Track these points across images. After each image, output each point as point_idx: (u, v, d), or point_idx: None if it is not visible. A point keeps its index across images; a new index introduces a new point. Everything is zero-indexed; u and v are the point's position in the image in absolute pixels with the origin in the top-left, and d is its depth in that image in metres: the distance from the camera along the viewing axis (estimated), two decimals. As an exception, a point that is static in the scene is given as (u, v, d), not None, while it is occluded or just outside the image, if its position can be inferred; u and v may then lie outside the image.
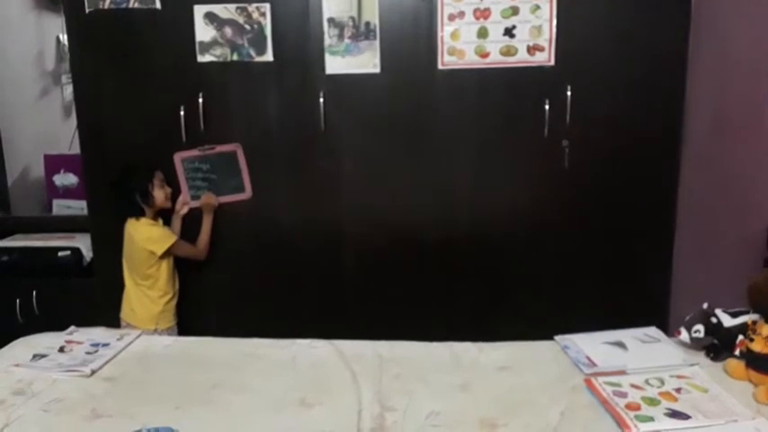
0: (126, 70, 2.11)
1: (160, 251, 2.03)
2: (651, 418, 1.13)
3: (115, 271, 2.12)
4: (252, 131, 2.13)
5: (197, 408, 1.25)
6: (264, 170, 2.15)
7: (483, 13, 1.99)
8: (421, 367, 1.40)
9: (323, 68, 2.04)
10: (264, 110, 2.11)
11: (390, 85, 2.05)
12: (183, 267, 2.16)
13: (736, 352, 1.33)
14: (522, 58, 2.00)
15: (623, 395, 1.22)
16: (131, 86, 2.11)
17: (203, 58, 2.08)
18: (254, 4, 2.03)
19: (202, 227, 2.13)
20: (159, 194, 2.06)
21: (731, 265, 1.81)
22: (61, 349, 1.53)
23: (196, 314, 2.20)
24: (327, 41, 2.03)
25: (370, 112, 2.08)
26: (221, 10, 2.04)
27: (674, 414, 1.15)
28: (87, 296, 2.20)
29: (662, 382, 1.28)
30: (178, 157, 2.15)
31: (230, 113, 2.12)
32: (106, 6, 2.06)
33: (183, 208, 2.17)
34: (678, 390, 1.24)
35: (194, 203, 2.17)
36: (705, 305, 1.42)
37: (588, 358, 1.40)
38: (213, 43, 2.07)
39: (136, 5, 2.06)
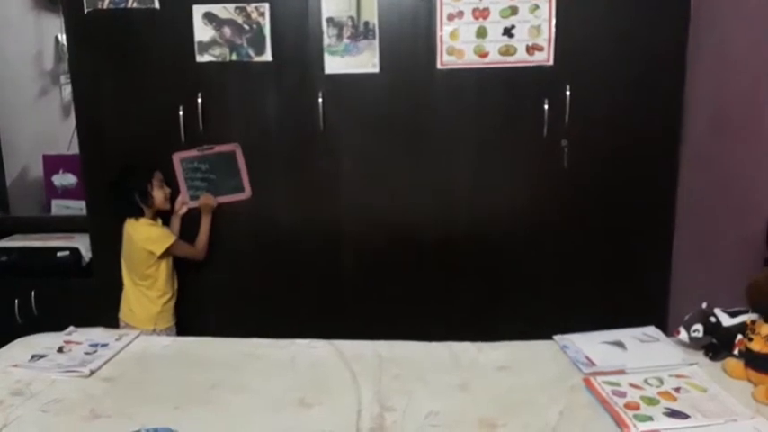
0: (125, 70, 2.11)
1: (159, 251, 2.03)
2: (650, 418, 1.13)
3: (114, 271, 2.12)
4: (251, 131, 2.13)
5: (196, 408, 1.25)
6: (263, 170, 2.15)
7: (482, 13, 1.99)
8: (420, 367, 1.40)
9: (322, 68, 2.05)
10: (263, 110, 2.11)
11: (389, 84, 2.05)
12: (182, 267, 2.16)
13: (735, 351, 1.33)
14: (521, 58, 2.00)
15: (622, 394, 1.22)
16: (130, 86, 2.11)
17: (202, 58, 2.08)
18: (253, 4, 2.03)
19: (201, 227, 2.13)
20: (158, 195, 2.06)
21: (730, 264, 1.81)
22: (60, 349, 1.53)
23: (195, 314, 2.20)
24: (326, 41, 2.03)
25: (369, 111, 2.08)
26: (220, 10, 2.04)
27: (673, 413, 1.15)
28: (86, 296, 2.20)
29: (661, 381, 1.28)
30: (177, 158, 2.14)
31: (229, 113, 2.12)
32: (105, 6, 2.06)
33: (181, 208, 2.17)
34: (677, 389, 1.24)
35: (193, 204, 2.17)
36: (704, 305, 1.42)
37: (587, 358, 1.40)
38: (212, 43, 2.07)
39: (134, 5, 2.06)
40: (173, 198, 2.14)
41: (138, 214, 2.04)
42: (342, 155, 2.12)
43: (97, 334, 1.63)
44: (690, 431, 1.10)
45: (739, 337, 1.32)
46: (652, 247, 2.12)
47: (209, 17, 2.05)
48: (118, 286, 2.11)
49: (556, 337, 1.52)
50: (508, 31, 1.99)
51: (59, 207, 2.63)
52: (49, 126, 2.93)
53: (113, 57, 2.10)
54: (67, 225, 2.49)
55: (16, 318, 2.31)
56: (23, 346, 1.56)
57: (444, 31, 2.00)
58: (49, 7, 2.90)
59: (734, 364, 1.30)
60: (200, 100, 2.08)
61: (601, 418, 1.16)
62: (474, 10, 1.99)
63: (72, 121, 2.29)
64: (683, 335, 1.39)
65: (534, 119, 2.02)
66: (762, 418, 1.13)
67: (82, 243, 2.35)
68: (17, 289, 2.33)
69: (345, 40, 2.03)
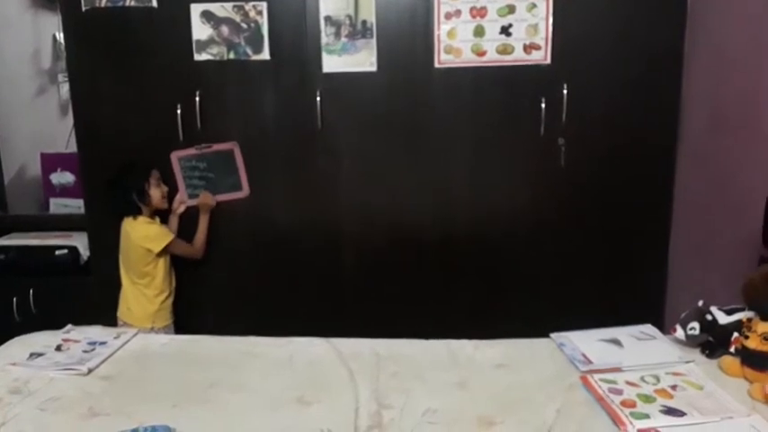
0: (122, 69, 2.11)
1: (157, 249, 2.03)
2: (646, 415, 1.13)
3: (112, 269, 2.12)
4: (249, 130, 2.13)
5: (194, 406, 1.25)
6: (261, 169, 2.15)
7: (479, 12, 1.99)
8: (418, 365, 1.40)
9: (320, 67, 2.05)
10: (261, 108, 2.11)
11: (387, 83, 2.05)
12: (180, 266, 2.16)
13: (732, 349, 1.33)
14: (518, 57, 2.00)
15: (619, 392, 1.23)
16: (128, 85, 2.11)
17: (200, 56, 2.07)
18: (251, 3, 2.03)
19: (199, 225, 2.13)
20: (156, 193, 2.06)
21: (727, 262, 1.81)
22: (58, 348, 1.53)
23: (193, 313, 2.20)
24: (324, 40, 2.03)
25: (367, 110, 2.08)
26: (218, 8, 2.04)
27: (670, 411, 1.15)
28: (84, 295, 2.20)
29: (657, 379, 1.28)
30: (175, 156, 2.14)
31: (227, 112, 2.12)
32: (102, 5, 2.06)
33: (180, 207, 2.17)
34: (673, 387, 1.24)
35: (192, 202, 2.17)
36: (700, 302, 1.42)
37: (584, 356, 1.40)
38: (210, 42, 2.06)
39: (132, 4, 2.05)
40: (171, 197, 2.14)
41: (136, 213, 2.04)
42: (340, 153, 2.12)
43: (95, 332, 1.63)
44: (686, 429, 1.10)
45: (735, 334, 1.33)
46: (649, 246, 2.12)
47: (206, 16, 2.05)
48: (116, 285, 2.11)
49: (553, 335, 1.52)
50: (505, 30, 1.99)
51: (57, 205, 2.63)
52: (46, 124, 2.93)
53: (111, 55, 2.10)
54: (65, 223, 2.50)
55: (14, 316, 2.32)
56: (21, 345, 1.56)
57: (442, 29, 2.01)
58: (47, 5, 2.89)
59: (730, 361, 1.30)
60: (198, 98, 2.08)
61: (597, 415, 1.16)
62: (471, 8, 1.99)
63: (70, 119, 2.29)
64: (680, 333, 1.39)
65: (531, 117, 2.03)
66: (758, 416, 1.13)
67: (80, 241, 2.35)
68: (15, 287, 2.33)
69: (343, 39, 2.03)
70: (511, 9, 1.98)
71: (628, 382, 1.27)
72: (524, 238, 2.14)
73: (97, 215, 2.20)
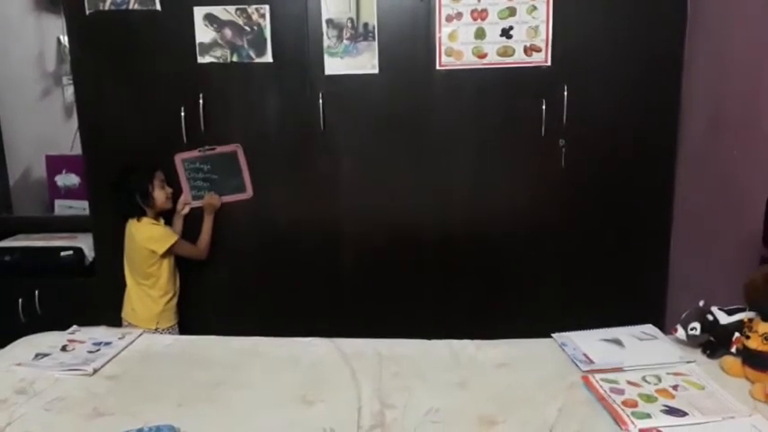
0: (126, 71, 2.12)
1: (161, 250, 2.04)
2: (648, 415, 1.14)
3: (117, 271, 2.13)
4: (252, 132, 2.14)
5: (198, 405, 1.26)
6: (264, 170, 2.17)
7: (480, 15, 2.00)
8: (420, 365, 1.41)
9: (322, 69, 2.06)
10: (264, 110, 2.12)
11: (389, 85, 2.06)
12: (184, 267, 2.18)
13: (733, 349, 1.33)
14: (519, 59, 2.01)
15: (620, 392, 1.23)
16: (132, 87, 2.13)
17: (203, 59, 2.09)
18: (254, 6, 2.04)
19: (203, 226, 2.14)
20: (159, 195, 2.07)
21: (727, 263, 1.81)
22: (63, 348, 1.54)
23: (197, 313, 2.21)
24: (326, 42, 2.04)
25: (368, 112, 2.10)
26: (221, 11, 2.05)
27: (671, 411, 1.15)
28: (89, 296, 2.21)
29: (659, 379, 1.28)
30: (179, 158, 2.16)
31: (230, 114, 2.13)
32: (106, 8, 2.07)
33: (184, 208, 2.18)
34: (675, 387, 1.24)
35: (197, 203, 2.18)
36: (701, 303, 1.42)
37: (585, 355, 1.41)
38: (213, 44, 2.08)
39: (136, 7, 2.07)
40: (175, 198, 2.15)
41: (140, 214, 2.05)
42: (342, 155, 2.13)
43: (100, 333, 1.64)
44: (688, 428, 1.10)
45: (737, 335, 1.33)
46: (650, 246, 2.13)
47: (210, 18, 2.06)
48: (120, 286, 2.12)
49: (554, 335, 1.53)
50: (506, 33, 2.00)
51: (62, 207, 2.65)
52: (51, 127, 2.94)
53: (115, 58, 2.12)
54: (70, 225, 2.50)
55: (20, 317, 2.32)
56: (27, 345, 1.57)
57: (443, 32, 2.02)
58: (51, 9, 2.91)
59: (731, 361, 1.30)
60: (201, 101, 2.09)
61: (599, 415, 1.17)
62: (472, 11, 2.00)
63: (74, 121, 2.30)
64: (681, 333, 1.39)
65: (532, 119, 2.04)
66: (759, 416, 1.13)
67: (85, 243, 2.36)
68: (21, 288, 2.34)
69: (345, 42, 2.04)
70: (511, 12, 1.99)
71: (629, 382, 1.27)
72: (525, 239, 2.15)
73: (102, 216, 2.21)
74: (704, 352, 1.39)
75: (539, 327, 1.56)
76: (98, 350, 1.52)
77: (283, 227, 2.20)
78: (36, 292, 2.33)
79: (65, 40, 2.78)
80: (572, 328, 1.54)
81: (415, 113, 2.08)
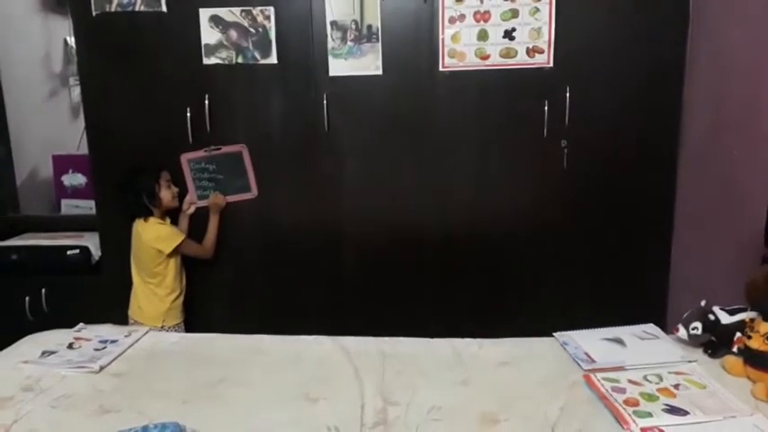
0: (133, 72, 2.14)
1: (168, 249, 2.05)
2: (649, 414, 1.14)
3: (123, 269, 2.14)
4: (256, 132, 2.16)
5: (203, 403, 1.27)
6: (268, 170, 2.18)
7: (483, 16, 2.01)
8: (422, 363, 1.42)
9: (326, 71, 2.07)
10: (269, 111, 2.14)
11: (392, 86, 2.07)
12: (190, 266, 2.19)
13: (734, 349, 1.34)
14: (521, 60, 2.02)
15: (622, 391, 1.24)
16: (138, 88, 2.14)
17: (209, 60, 2.10)
18: (259, 8, 2.06)
19: (209, 226, 2.15)
20: (166, 195, 2.09)
21: (728, 263, 1.82)
22: (70, 346, 1.55)
23: (202, 311, 2.23)
24: (330, 44, 2.06)
25: (372, 113, 2.11)
26: (226, 13, 2.07)
27: (673, 410, 1.15)
28: (95, 294, 2.22)
29: (660, 378, 1.29)
30: (185, 158, 2.17)
31: (236, 115, 2.14)
32: (113, 9, 2.09)
33: (189, 208, 2.20)
34: (676, 386, 1.25)
35: (201, 203, 2.20)
36: (703, 303, 1.43)
37: (587, 354, 1.41)
38: (219, 46, 2.09)
39: (142, 9, 2.08)
40: (181, 197, 2.17)
41: (147, 214, 2.07)
42: (345, 155, 2.14)
43: (107, 331, 1.65)
44: (689, 428, 1.10)
45: (738, 335, 1.33)
46: (651, 246, 2.13)
47: (215, 20, 2.08)
48: (127, 284, 2.14)
49: (556, 334, 1.53)
50: (509, 34, 2.01)
51: (69, 206, 2.66)
52: (58, 127, 2.96)
53: (121, 59, 2.13)
54: (77, 224, 2.52)
55: (27, 315, 2.34)
56: (34, 343, 1.58)
57: (446, 33, 2.03)
58: (57, 10, 2.93)
59: (733, 361, 1.31)
60: (207, 101, 2.11)
61: (601, 413, 1.17)
62: (475, 13, 2.01)
63: (81, 121, 2.32)
64: (682, 332, 1.40)
65: (534, 120, 2.04)
66: (761, 415, 1.14)
67: (91, 241, 2.37)
68: (27, 286, 2.35)
69: (349, 43, 2.05)
70: (514, 13, 2.00)
71: (631, 381, 1.27)
72: (527, 239, 2.15)
73: (108, 216, 2.22)
74: (705, 351, 1.39)
75: (540, 326, 1.57)
76: (104, 348, 1.54)
77: (287, 227, 2.21)
78: (43, 290, 2.35)
79: (71, 41, 2.81)
80: (574, 327, 1.55)
81: (418, 114, 2.09)
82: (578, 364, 1.38)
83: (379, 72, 2.06)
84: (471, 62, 2.04)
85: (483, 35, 2.02)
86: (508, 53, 2.02)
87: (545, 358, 1.43)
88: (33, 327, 1.70)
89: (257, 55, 2.09)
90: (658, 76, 2.01)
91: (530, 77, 2.03)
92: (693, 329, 1.38)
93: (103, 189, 2.21)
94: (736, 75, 1.82)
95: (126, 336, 1.62)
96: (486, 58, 2.03)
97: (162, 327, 2.07)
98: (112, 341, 1.57)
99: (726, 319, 1.38)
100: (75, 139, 2.75)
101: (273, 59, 2.09)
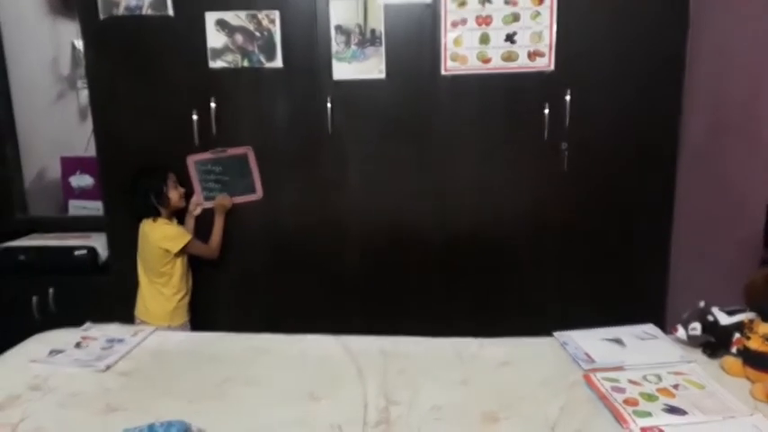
0: (140, 75, 2.16)
1: (175, 249, 2.07)
2: (649, 414, 1.15)
3: (129, 269, 2.16)
4: (261, 135, 2.18)
5: (209, 401, 1.28)
6: (273, 172, 2.20)
7: (485, 20, 2.02)
8: (424, 362, 1.42)
9: (330, 74, 2.09)
10: (274, 114, 2.16)
11: (395, 90, 2.09)
12: (195, 266, 2.21)
13: (733, 350, 1.34)
14: (522, 64, 2.03)
15: (621, 391, 1.24)
16: (145, 91, 2.16)
17: (215, 64, 2.13)
18: (264, 12, 2.08)
19: (215, 227, 2.17)
20: (174, 195, 2.11)
21: (728, 264, 1.82)
22: (77, 345, 1.56)
23: (208, 311, 2.24)
24: (334, 48, 2.08)
25: (375, 116, 2.12)
26: (232, 17, 2.09)
27: (672, 410, 1.16)
28: (102, 294, 2.24)
29: (659, 378, 1.29)
30: (191, 160, 2.20)
31: (241, 117, 2.16)
32: (120, 13, 2.11)
33: (196, 208, 2.22)
34: (676, 386, 1.25)
35: (208, 204, 2.22)
36: (702, 303, 1.43)
37: (587, 354, 1.42)
38: (224, 50, 2.12)
39: (149, 12, 2.10)
40: (186, 197, 2.19)
41: (155, 215, 2.09)
42: (349, 158, 2.16)
43: (113, 330, 1.66)
44: (689, 427, 1.11)
45: (737, 335, 1.34)
46: (651, 247, 2.13)
47: (221, 24, 2.10)
48: (133, 284, 2.16)
49: (556, 333, 1.54)
50: (510, 38, 2.02)
51: (76, 207, 2.68)
52: (66, 129, 2.99)
53: (129, 62, 2.15)
54: (84, 225, 2.54)
55: (34, 314, 2.35)
56: (41, 342, 1.59)
57: (448, 37, 2.04)
58: (65, 14, 2.95)
59: (732, 361, 1.31)
60: (213, 104, 2.13)
61: (600, 413, 1.18)
62: (477, 17, 2.02)
63: (88, 123, 2.34)
64: (681, 333, 1.41)
65: (535, 123, 2.05)
66: (760, 415, 1.14)
67: (98, 242, 2.39)
68: (35, 286, 2.37)
69: (353, 47, 2.07)
70: (515, 17, 2.02)
71: (630, 381, 1.28)
72: (528, 241, 2.16)
73: (115, 217, 2.24)
74: (704, 352, 1.40)
75: (540, 326, 1.57)
76: (111, 347, 1.54)
77: (291, 228, 2.23)
78: (50, 290, 2.37)
79: (79, 44, 2.83)
80: (574, 327, 1.56)
81: (421, 117, 2.11)
82: (578, 364, 1.38)
83: (383, 76, 2.07)
84: (473, 66, 2.05)
85: (485, 39, 2.04)
86: (509, 57, 2.04)
87: (545, 358, 1.44)
88: (41, 326, 1.70)
89: (262, 58, 2.11)
90: (658, 79, 2.02)
91: (531, 80, 2.04)
92: (692, 330, 1.39)
93: (111, 190, 2.24)
94: (737, 75, 1.83)
95: (132, 335, 1.63)
96: (487, 61, 2.05)
97: (168, 326, 2.08)
98: (119, 340, 1.58)
99: (724, 319, 1.38)
100: (82, 141, 2.77)
101: (279, 63, 2.11)
